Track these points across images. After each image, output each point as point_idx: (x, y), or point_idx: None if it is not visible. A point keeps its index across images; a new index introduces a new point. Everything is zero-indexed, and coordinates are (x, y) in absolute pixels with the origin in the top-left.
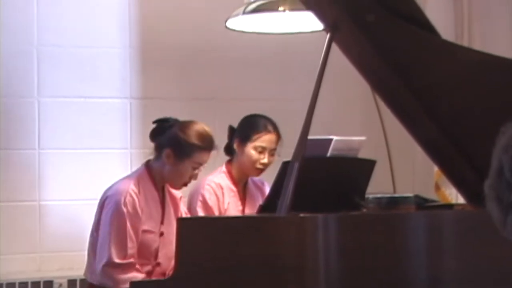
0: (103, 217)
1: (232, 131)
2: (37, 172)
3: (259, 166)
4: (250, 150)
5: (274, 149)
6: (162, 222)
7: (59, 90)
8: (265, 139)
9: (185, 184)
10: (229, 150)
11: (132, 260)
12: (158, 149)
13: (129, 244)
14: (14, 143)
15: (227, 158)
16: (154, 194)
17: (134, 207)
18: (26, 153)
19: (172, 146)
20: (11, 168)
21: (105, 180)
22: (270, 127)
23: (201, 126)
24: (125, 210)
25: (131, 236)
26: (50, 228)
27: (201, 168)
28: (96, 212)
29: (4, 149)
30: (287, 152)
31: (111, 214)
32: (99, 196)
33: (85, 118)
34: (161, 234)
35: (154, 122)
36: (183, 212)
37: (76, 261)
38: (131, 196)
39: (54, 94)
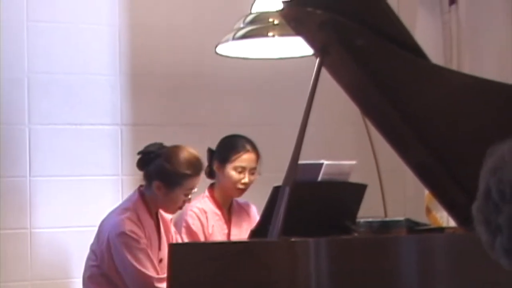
0: (117, 254)
1: (211, 153)
2: (28, 200)
3: (240, 186)
4: (230, 171)
5: (254, 168)
6: (159, 249)
7: (50, 117)
8: (244, 159)
9: (180, 208)
10: (210, 173)
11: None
12: (147, 179)
13: (154, 261)
14: (4, 171)
15: (210, 182)
16: (150, 222)
17: (138, 233)
18: (16, 181)
19: (160, 179)
20: (1, 195)
21: (97, 207)
22: (248, 147)
23: (186, 152)
24: (134, 236)
25: (151, 254)
26: (41, 255)
27: (194, 191)
28: (96, 245)
29: None
30: (277, 177)
31: (124, 246)
32: (90, 223)
33: (76, 145)
34: (160, 260)
35: (138, 153)
36: (173, 232)
37: None
38: (132, 222)
39: (44, 121)
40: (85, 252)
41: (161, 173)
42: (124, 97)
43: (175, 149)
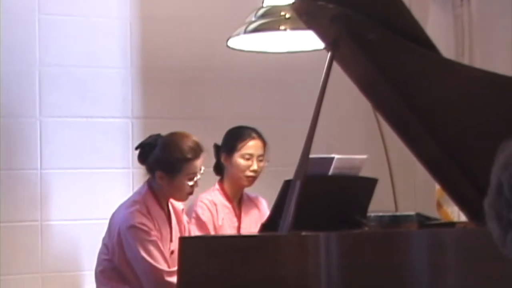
0: (128, 247)
1: (217, 148)
2: (39, 192)
3: (249, 173)
4: (238, 159)
5: (262, 155)
6: (171, 240)
7: (61, 110)
8: (250, 146)
9: (190, 193)
10: (218, 168)
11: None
12: (150, 171)
13: (165, 253)
14: (16, 163)
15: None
16: (161, 213)
17: (149, 225)
18: (28, 173)
19: (161, 168)
20: (13, 188)
21: (107, 200)
22: (253, 134)
23: (182, 137)
24: (145, 228)
25: (161, 247)
26: (52, 248)
27: (200, 173)
28: (108, 239)
29: (6, 170)
30: (288, 171)
31: (135, 238)
32: (101, 215)
33: (87, 138)
34: (172, 252)
35: (136, 148)
36: (185, 222)
37: (78, 281)
38: (142, 215)
39: (55, 114)
40: (96, 244)
41: (160, 162)
42: (135, 90)
43: (171, 136)
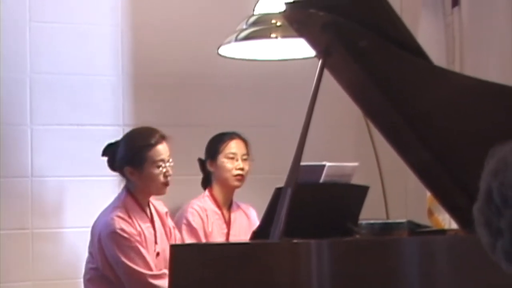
0: (109, 254)
1: (201, 161)
2: (30, 200)
3: (236, 172)
4: (223, 159)
5: (245, 154)
6: (155, 242)
7: (52, 118)
8: (232, 146)
9: (166, 184)
10: (206, 181)
11: (164, 270)
12: (121, 173)
13: (147, 258)
14: (6, 171)
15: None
16: (143, 216)
17: (129, 231)
18: (19, 181)
19: (127, 163)
20: (3, 196)
21: (99, 208)
22: (234, 135)
23: (140, 129)
24: (125, 234)
25: (143, 252)
26: (43, 256)
27: (169, 162)
28: (92, 247)
29: None
30: (279, 178)
31: (115, 245)
32: (91, 223)
33: (78, 145)
34: (157, 254)
35: (102, 156)
36: (171, 226)
37: None
38: (121, 220)
39: (47, 122)
40: (85, 251)
41: (125, 157)
42: (126, 98)
43: (130, 131)
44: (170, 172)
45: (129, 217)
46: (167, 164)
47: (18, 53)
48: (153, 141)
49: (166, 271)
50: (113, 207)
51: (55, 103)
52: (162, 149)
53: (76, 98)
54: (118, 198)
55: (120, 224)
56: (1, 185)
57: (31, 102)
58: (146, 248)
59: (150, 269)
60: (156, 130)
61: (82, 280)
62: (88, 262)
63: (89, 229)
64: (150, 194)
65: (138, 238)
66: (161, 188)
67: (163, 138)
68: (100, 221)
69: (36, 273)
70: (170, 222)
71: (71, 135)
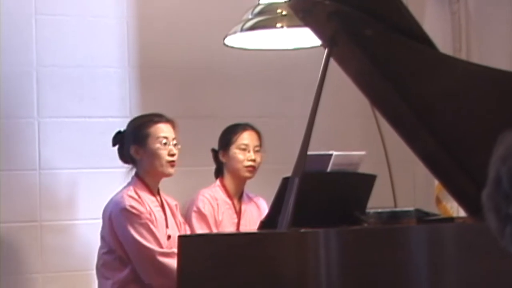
0: (119, 231)
1: (214, 152)
2: (38, 193)
3: (247, 163)
4: (235, 150)
5: (258, 146)
6: (167, 226)
7: (59, 111)
8: (244, 137)
9: (172, 163)
10: (218, 172)
11: (174, 249)
12: (130, 159)
13: (157, 235)
14: (14, 164)
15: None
16: (153, 199)
17: (139, 208)
18: (26, 174)
19: (132, 141)
20: (12, 189)
21: (106, 199)
22: (247, 127)
23: (145, 113)
24: (135, 211)
25: (154, 229)
26: (52, 248)
27: (174, 142)
28: (103, 231)
29: (5, 171)
30: (287, 168)
31: (126, 221)
32: (100, 215)
33: (85, 137)
34: (168, 237)
35: (113, 145)
36: (181, 221)
37: (78, 281)
38: (131, 198)
39: (53, 115)
40: (96, 243)
41: (130, 136)
42: (133, 90)
43: (136, 116)
44: (175, 151)
45: (139, 197)
46: (172, 143)
47: (24, 46)
48: (155, 119)
49: (176, 250)
50: (123, 189)
51: (62, 96)
52: (165, 127)
53: (83, 91)
54: (128, 183)
55: (130, 201)
56: (9, 178)
57: (37, 95)
58: (156, 227)
59: (160, 247)
60: (161, 114)
61: (90, 272)
62: (100, 248)
63: (98, 221)
64: (157, 175)
65: (148, 216)
66: (166, 166)
67: (167, 120)
68: (110, 202)
69: (45, 265)
70: (180, 217)
71: (78, 127)
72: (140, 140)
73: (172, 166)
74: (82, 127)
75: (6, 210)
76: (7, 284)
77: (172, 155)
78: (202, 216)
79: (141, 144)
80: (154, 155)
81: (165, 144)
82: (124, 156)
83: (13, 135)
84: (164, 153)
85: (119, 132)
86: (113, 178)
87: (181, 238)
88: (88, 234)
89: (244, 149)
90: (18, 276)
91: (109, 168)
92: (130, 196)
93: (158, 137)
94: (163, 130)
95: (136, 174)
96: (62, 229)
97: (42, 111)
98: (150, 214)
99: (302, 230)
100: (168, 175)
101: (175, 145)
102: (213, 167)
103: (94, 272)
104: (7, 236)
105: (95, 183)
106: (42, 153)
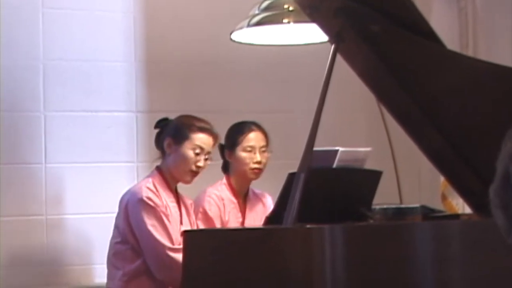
0: (134, 221)
1: (222, 148)
2: (44, 187)
3: (253, 165)
4: (240, 152)
5: (264, 146)
6: (181, 222)
7: (65, 104)
8: (251, 138)
9: (194, 174)
10: (225, 167)
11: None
12: (161, 147)
13: (170, 231)
14: (20, 158)
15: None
16: (170, 194)
17: (156, 201)
18: (32, 168)
19: (170, 134)
20: (18, 182)
21: (112, 194)
22: (253, 126)
23: (198, 117)
24: (151, 203)
25: (167, 224)
26: (57, 242)
27: (207, 155)
28: (118, 220)
29: (11, 164)
30: (293, 164)
31: (141, 212)
32: (105, 209)
33: (91, 132)
34: (182, 234)
35: (155, 127)
36: (194, 220)
37: (84, 275)
38: (149, 190)
39: (60, 108)
40: (101, 237)
41: (171, 128)
42: (139, 84)
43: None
44: (202, 164)
45: (157, 190)
46: (204, 155)
47: (31, 40)
48: (202, 126)
49: None
50: (142, 181)
51: (68, 90)
52: (206, 138)
53: (89, 85)
54: (148, 175)
55: (148, 193)
56: (15, 172)
57: (44, 89)
58: (170, 222)
59: (171, 242)
60: (209, 124)
61: (96, 266)
62: (112, 238)
63: (103, 215)
64: (176, 178)
65: (163, 209)
66: (188, 174)
67: (212, 132)
68: (128, 192)
69: (51, 259)
70: (193, 216)
71: (84, 121)
72: (178, 138)
73: (194, 176)
74: (88, 121)
75: (11, 203)
76: (13, 277)
77: (198, 167)
78: (207, 218)
79: (177, 141)
80: (183, 159)
81: (197, 154)
82: (158, 143)
83: (20, 129)
84: (192, 161)
85: (165, 119)
86: (119, 172)
87: (186, 233)
88: (93, 228)
89: (250, 151)
90: (23, 270)
91: (115, 162)
92: (148, 188)
93: (195, 145)
94: (203, 140)
95: (158, 168)
96: (67, 223)
97: (48, 105)
98: (166, 208)
99: (308, 226)
100: (186, 182)
101: (206, 159)
102: (219, 161)
103: (97, 266)
104: (12, 230)
105: (100, 177)
106: (48, 147)
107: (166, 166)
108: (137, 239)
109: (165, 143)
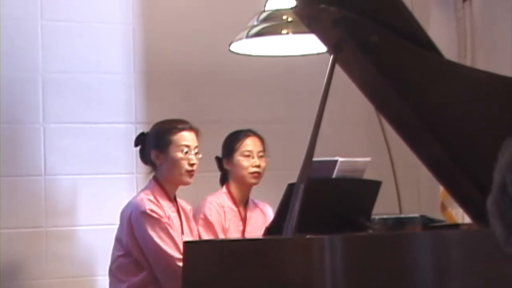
0: (139, 234)
1: (218, 159)
2: (43, 198)
3: (252, 169)
4: (238, 158)
5: (261, 151)
6: (182, 232)
7: (65, 116)
8: (248, 143)
9: (190, 173)
10: (224, 179)
11: None
12: (150, 162)
13: (177, 240)
14: (20, 170)
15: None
16: (170, 204)
17: (159, 212)
18: (32, 180)
19: (153, 146)
20: (17, 194)
21: (112, 205)
22: (249, 133)
23: (170, 119)
24: (155, 215)
25: (173, 234)
26: (57, 254)
27: (196, 151)
28: (120, 233)
29: (10, 176)
30: (292, 174)
31: (146, 225)
32: (105, 221)
33: (91, 143)
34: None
35: (135, 146)
36: (193, 226)
37: (84, 287)
38: (151, 202)
39: (59, 120)
40: (101, 249)
41: (152, 140)
42: (139, 96)
43: (161, 121)
44: (195, 161)
45: (158, 201)
46: (193, 152)
47: (30, 52)
48: (179, 126)
49: None
50: (141, 192)
51: (68, 102)
52: (188, 136)
53: (89, 96)
54: (146, 187)
55: (150, 205)
56: (14, 184)
57: (43, 101)
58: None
59: (180, 253)
60: (186, 121)
61: (96, 278)
62: (114, 250)
63: (103, 227)
64: (175, 183)
65: (167, 220)
66: (185, 175)
67: (191, 128)
68: (129, 205)
69: (51, 271)
70: (193, 222)
71: (84, 133)
72: (162, 146)
73: (191, 175)
74: (88, 133)
75: (11, 215)
76: None
77: (192, 164)
78: (208, 224)
79: (162, 150)
80: (174, 164)
81: (186, 153)
82: (145, 158)
83: (19, 141)
84: (184, 162)
85: (142, 134)
86: (118, 184)
87: (187, 243)
88: (93, 239)
89: (248, 156)
90: (23, 282)
91: (115, 174)
92: (150, 200)
93: (180, 146)
94: (186, 138)
95: (155, 178)
96: (67, 235)
97: (47, 117)
98: (168, 219)
99: (308, 236)
100: (186, 184)
101: (196, 154)
102: (218, 173)
103: (98, 278)
104: (12, 242)
105: (100, 189)
106: (48, 159)
107: (162, 175)
108: (142, 252)
109: (152, 156)
